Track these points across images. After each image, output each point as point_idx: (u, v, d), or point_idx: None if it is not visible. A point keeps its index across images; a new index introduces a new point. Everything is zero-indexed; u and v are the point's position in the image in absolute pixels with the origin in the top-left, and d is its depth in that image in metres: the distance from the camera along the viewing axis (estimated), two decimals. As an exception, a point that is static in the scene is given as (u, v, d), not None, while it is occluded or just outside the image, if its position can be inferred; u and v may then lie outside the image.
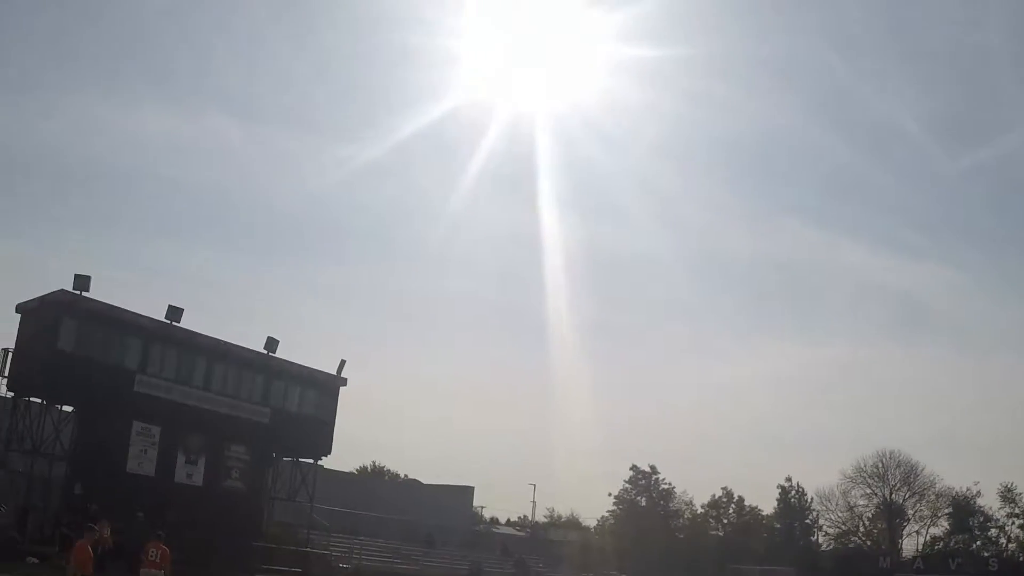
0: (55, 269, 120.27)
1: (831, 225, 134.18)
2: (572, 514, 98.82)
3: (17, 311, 43.60)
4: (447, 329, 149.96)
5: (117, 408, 41.80)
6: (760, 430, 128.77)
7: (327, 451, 50.90)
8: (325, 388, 50.84)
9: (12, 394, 42.20)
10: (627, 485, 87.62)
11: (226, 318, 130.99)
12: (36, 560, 32.35)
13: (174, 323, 44.04)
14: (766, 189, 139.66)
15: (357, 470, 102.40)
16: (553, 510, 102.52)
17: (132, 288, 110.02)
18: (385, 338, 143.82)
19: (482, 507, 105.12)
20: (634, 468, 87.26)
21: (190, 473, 44.52)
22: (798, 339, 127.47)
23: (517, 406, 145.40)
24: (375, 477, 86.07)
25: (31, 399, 42.28)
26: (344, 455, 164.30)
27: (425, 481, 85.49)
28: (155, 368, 43.85)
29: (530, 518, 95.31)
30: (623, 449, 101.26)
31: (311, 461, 51.17)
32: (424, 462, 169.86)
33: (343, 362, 51.07)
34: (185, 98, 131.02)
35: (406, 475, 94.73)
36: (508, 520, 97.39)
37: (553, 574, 56.78)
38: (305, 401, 50.04)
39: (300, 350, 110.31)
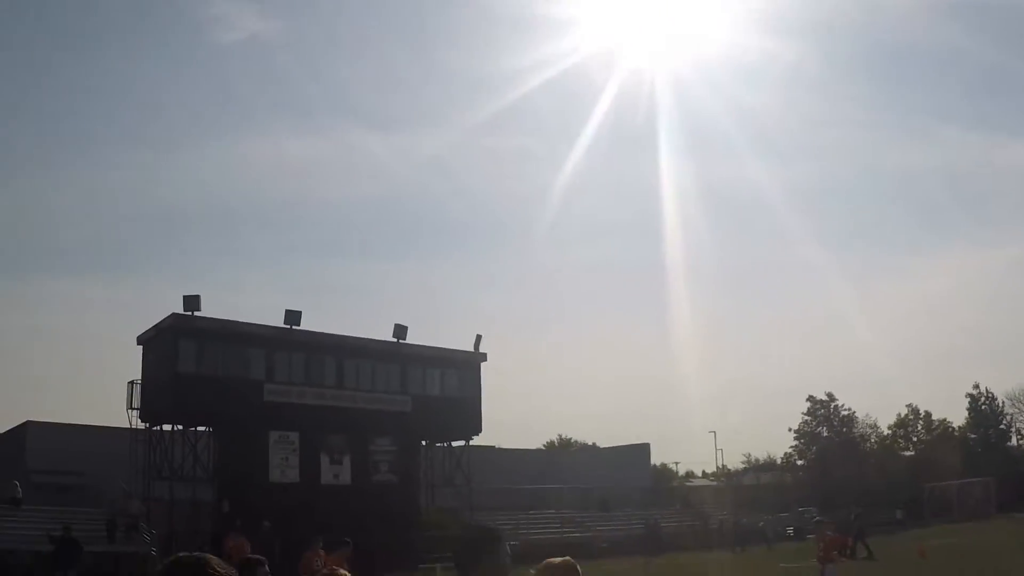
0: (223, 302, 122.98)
1: (988, 127, 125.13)
2: (769, 456, 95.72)
3: (138, 343, 43.53)
4: (581, 294, 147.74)
5: (251, 421, 41.16)
6: (940, 342, 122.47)
7: (477, 430, 49.26)
8: (465, 367, 49.23)
9: (147, 425, 42.05)
10: (806, 417, 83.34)
11: (355, 317, 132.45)
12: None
13: (294, 327, 43.09)
14: (913, 102, 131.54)
15: (545, 445, 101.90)
16: (750, 455, 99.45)
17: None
18: (525, 311, 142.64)
19: (676, 463, 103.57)
20: (811, 399, 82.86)
21: (336, 473, 43.61)
22: (970, 245, 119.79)
23: (678, 357, 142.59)
24: (549, 451, 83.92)
25: (163, 427, 42.13)
26: (515, 433, 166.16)
27: (603, 445, 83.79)
28: (283, 375, 43.14)
29: (720, 466, 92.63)
30: (800, 386, 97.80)
31: (463, 443, 49.47)
32: (601, 429, 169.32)
33: (479, 337, 49.48)
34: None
35: (592, 443, 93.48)
36: (703, 472, 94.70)
37: (737, 519, 53.53)
38: (446, 383, 48.47)
39: (432, 335, 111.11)
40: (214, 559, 3.56)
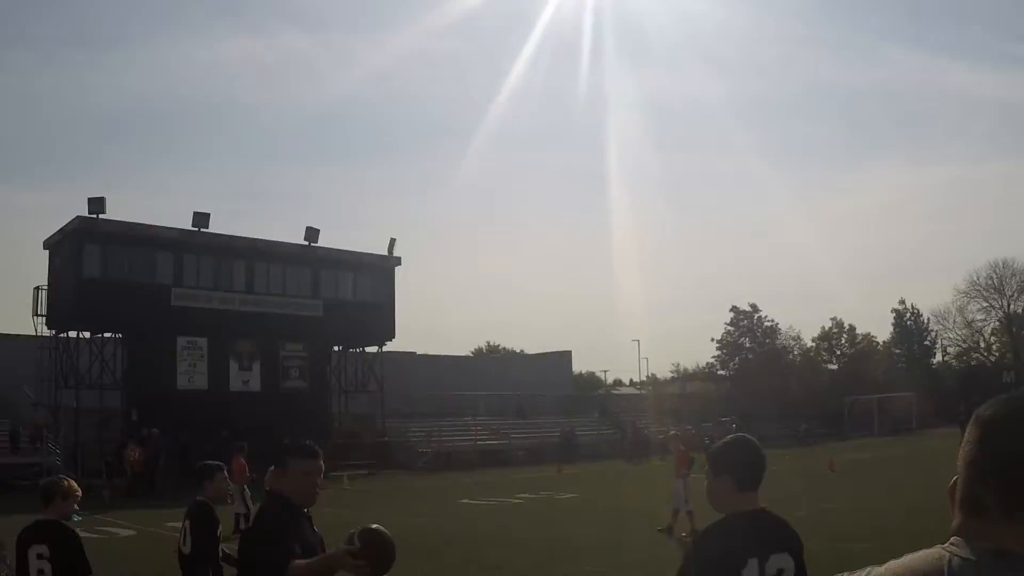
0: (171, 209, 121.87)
1: (930, 47, 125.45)
2: (697, 366, 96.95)
3: (44, 247, 42.53)
4: (515, 201, 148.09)
5: (157, 326, 40.42)
6: (871, 258, 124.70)
7: (390, 335, 48.86)
8: (378, 271, 48.56)
9: (53, 332, 41.27)
10: (729, 327, 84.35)
11: (268, 222, 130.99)
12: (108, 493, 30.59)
13: (202, 230, 42.27)
14: (857, 20, 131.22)
15: (473, 352, 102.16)
16: (679, 364, 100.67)
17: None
18: (455, 217, 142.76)
19: (604, 371, 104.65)
20: (734, 309, 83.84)
21: (246, 380, 43.17)
22: (907, 164, 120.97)
23: (607, 267, 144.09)
24: (470, 358, 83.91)
25: (70, 334, 41.40)
26: (441, 340, 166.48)
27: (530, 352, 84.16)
28: (191, 279, 42.33)
29: (650, 376, 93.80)
30: (730, 298, 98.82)
31: (376, 349, 49.24)
32: (528, 337, 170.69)
33: (393, 240, 48.87)
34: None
35: (520, 350, 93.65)
36: (631, 381, 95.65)
37: (651, 427, 54.20)
38: (359, 287, 47.81)
39: (354, 241, 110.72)
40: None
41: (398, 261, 49.30)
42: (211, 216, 42.50)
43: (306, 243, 45.70)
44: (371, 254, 48.32)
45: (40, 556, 6.60)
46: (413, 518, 20.34)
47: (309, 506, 4.78)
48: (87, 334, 41.98)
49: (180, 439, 35.62)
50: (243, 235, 44.38)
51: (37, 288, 41.33)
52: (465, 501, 27.96)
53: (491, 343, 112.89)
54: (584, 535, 18.09)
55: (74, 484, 7.20)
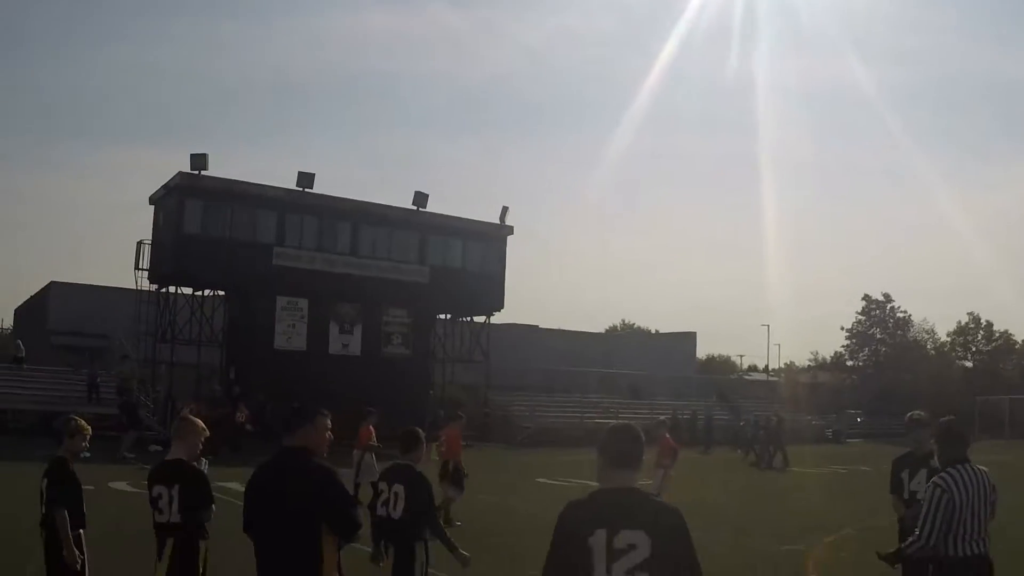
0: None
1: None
2: (836, 355, 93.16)
3: (150, 203, 42.23)
4: (657, 182, 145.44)
5: (257, 285, 39.74)
6: (1015, 253, 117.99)
7: (499, 306, 47.16)
8: (490, 240, 46.81)
9: (156, 286, 40.99)
10: (860, 317, 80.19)
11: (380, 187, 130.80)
12: (159, 447, 30.20)
13: (306, 190, 41.32)
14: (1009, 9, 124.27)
15: (607, 330, 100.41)
16: (817, 353, 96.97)
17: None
18: (597, 194, 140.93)
19: (740, 355, 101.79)
20: (866, 298, 79.67)
21: (346, 343, 42.03)
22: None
23: (745, 251, 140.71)
24: (591, 336, 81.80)
25: (168, 288, 41.09)
26: (579, 316, 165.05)
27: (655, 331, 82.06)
28: (293, 239, 41.38)
29: (789, 363, 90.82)
30: (862, 287, 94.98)
31: (484, 319, 47.84)
32: (659, 317, 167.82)
33: (505, 209, 46.87)
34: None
35: (655, 330, 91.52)
36: (767, 368, 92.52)
37: (765, 413, 51.28)
38: (469, 256, 46.30)
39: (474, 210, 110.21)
40: None
41: (510, 230, 47.44)
42: (316, 177, 41.53)
43: (414, 208, 44.30)
44: (482, 222, 46.51)
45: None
46: (471, 494, 18.48)
47: None
48: (187, 290, 41.64)
49: (259, 399, 34.75)
50: (349, 197, 43.29)
51: (140, 242, 41.06)
52: (542, 480, 26.13)
53: (626, 321, 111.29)
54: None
55: (83, 423, 7.94)
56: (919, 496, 7.32)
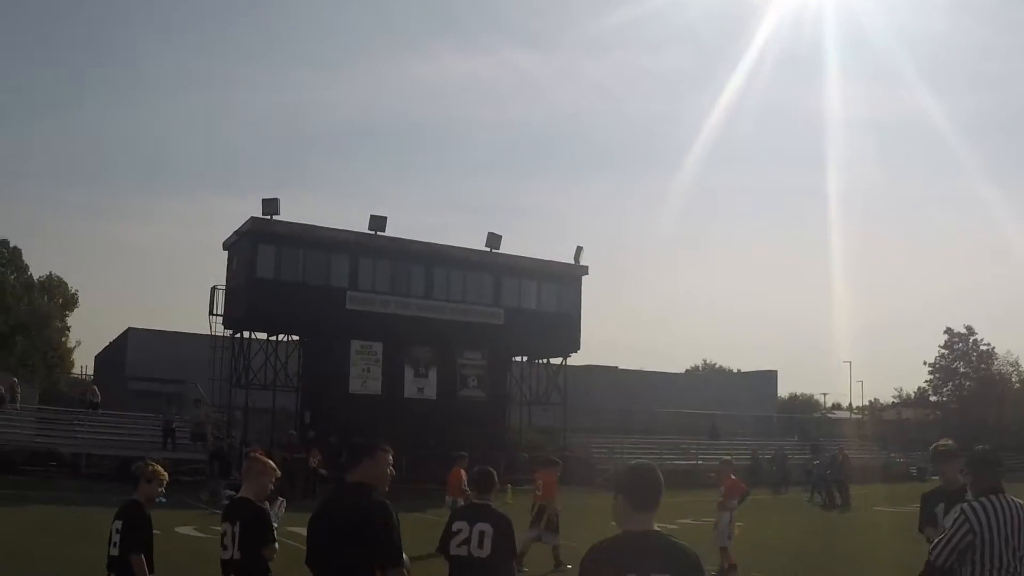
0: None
1: None
2: (920, 390, 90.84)
3: (224, 248, 42.36)
4: (730, 216, 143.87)
5: (332, 329, 39.53)
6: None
7: (575, 347, 46.40)
8: (564, 280, 46.18)
9: (229, 332, 40.98)
10: (943, 351, 77.96)
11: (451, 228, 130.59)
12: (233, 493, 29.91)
13: (378, 233, 41.11)
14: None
15: (687, 369, 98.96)
16: (901, 389, 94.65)
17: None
18: (667, 230, 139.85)
19: (824, 394, 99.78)
20: (948, 331, 77.54)
21: (421, 387, 41.56)
22: None
23: (819, 286, 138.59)
24: (670, 375, 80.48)
25: (243, 334, 41.05)
26: (657, 357, 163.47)
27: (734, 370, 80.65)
28: (367, 282, 41.13)
29: (873, 400, 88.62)
30: (950, 320, 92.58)
31: (559, 361, 47.01)
32: (740, 356, 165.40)
33: (580, 248, 46.31)
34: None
35: (737, 369, 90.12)
36: (850, 405, 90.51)
37: (851, 451, 49.61)
38: (544, 297, 45.68)
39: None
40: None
41: (585, 270, 46.77)
42: (387, 220, 41.36)
43: (487, 249, 43.88)
44: (557, 262, 45.95)
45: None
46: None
47: None
48: (261, 335, 41.56)
49: (334, 444, 34.31)
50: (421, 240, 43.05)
51: (213, 288, 41.12)
52: (614, 524, 25.04)
53: (707, 361, 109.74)
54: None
55: (160, 468, 8.01)
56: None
